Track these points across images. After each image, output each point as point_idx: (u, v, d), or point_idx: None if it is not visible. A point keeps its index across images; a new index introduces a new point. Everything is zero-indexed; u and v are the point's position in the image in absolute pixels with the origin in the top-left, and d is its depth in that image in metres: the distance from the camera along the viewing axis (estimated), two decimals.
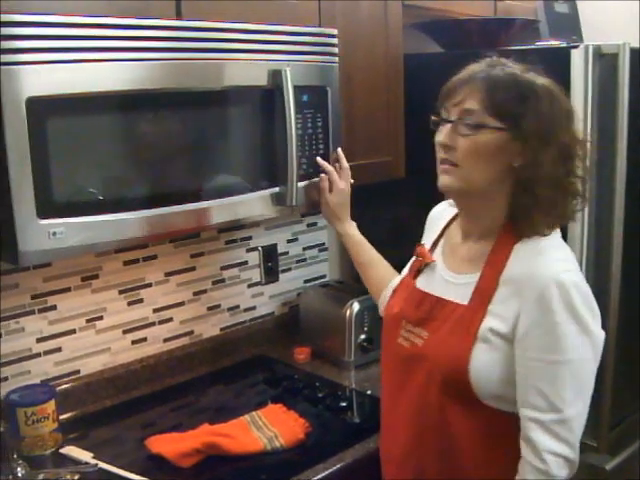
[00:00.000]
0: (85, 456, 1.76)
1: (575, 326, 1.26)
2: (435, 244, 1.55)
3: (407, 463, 1.46)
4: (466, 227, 1.46)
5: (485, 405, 1.33)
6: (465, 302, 1.36)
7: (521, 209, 1.33)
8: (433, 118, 1.37)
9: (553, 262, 1.31)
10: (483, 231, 1.40)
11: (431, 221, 1.66)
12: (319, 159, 1.89)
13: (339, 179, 1.88)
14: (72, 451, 1.79)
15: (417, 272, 1.53)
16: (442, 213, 1.60)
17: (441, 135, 1.34)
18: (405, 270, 1.64)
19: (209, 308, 2.37)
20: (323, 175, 1.88)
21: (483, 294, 1.33)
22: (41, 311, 1.99)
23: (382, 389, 1.58)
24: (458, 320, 1.35)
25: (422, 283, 1.51)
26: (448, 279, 1.44)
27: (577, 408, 1.28)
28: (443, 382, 1.35)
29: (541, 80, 1.34)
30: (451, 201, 1.54)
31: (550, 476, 1.27)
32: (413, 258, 1.59)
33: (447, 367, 1.34)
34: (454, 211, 1.54)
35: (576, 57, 2.00)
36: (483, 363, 1.31)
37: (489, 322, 1.32)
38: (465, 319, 1.34)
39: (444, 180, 1.36)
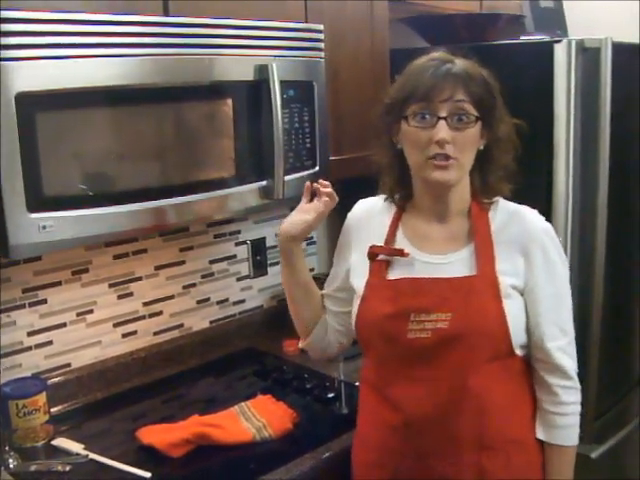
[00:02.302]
0: (76, 447, 1.78)
1: (562, 262, 1.52)
2: (389, 239, 1.55)
3: (447, 438, 1.49)
4: (439, 211, 1.52)
5: (515, 355, 1.49)
6: (473, 273, 1.45)
7: (485, 181, 1.49)
8: (418, 113, 1.40)
9: (535, 217, 1.53)
10: (455, 211, 1.51)
11: (365, 221, 1.62)
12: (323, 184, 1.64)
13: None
14: (64, 443, 1.81)
15: (385, 270, 1.52)
16: (372, 210, 1.62)
17: (441, 132, 1.37)
18: (362, 277, 1.56)
19: (198, 301, 2.39)
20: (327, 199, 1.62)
21: (487, 260, 1.45)
22: (32, 305, 2.01)
23: (390, 391, 1.54)
24: (477, 289, 1.44)
25: (406, 275, 1.51)
26: (437, 262, 1.49)
27: (572, 327, 1.52)
28: (488, 348, 1.44)
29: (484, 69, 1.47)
30: (381, 196, 1.61)
31: (577, 389, 1.51)
32: (367, 261, 1.55)
33: (491, 332, 1.43)
34: (386, 205, 1.59)
35: (559, 51, 2.04)
36: (515, 316, 1.45)
37: (505, 280, 1.45)
38: (484, 286, 1.44)
39: (445, 175, 1.41)
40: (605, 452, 2.26)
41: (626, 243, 2.44)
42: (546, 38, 2.33)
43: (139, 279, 2.23)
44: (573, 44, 2.03)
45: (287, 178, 1.89)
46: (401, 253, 1.51)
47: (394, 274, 1.51)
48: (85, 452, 1.75)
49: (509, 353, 1.47)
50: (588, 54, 2.05)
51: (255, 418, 1.83)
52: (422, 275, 1.48)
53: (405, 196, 1.56)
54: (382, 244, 1.55)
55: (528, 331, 1.49)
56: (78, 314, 2.11)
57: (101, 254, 2.13)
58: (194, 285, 2.37)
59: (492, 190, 1.51)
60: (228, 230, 2.44)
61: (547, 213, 2.03)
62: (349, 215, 1.67)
